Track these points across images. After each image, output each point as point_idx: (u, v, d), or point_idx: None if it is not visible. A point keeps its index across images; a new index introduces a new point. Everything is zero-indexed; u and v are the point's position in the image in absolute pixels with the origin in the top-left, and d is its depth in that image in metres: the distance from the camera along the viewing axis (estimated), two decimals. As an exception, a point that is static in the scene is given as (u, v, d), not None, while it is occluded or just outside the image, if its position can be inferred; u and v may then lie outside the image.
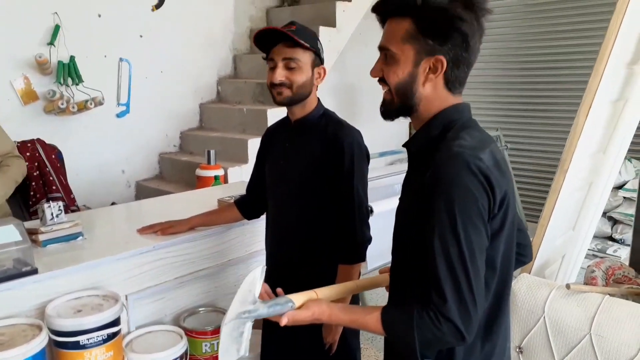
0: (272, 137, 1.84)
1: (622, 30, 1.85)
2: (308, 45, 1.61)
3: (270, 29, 1.60)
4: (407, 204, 1.12)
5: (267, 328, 1.85)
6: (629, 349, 1.60)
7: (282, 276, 1.77)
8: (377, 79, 1.11)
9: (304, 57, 1.62)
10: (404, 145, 1.16)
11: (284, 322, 1.08)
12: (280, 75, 1.60)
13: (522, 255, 1.25)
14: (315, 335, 1.67)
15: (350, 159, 1.61)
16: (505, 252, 1.06)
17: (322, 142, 1.64)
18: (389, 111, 1.11)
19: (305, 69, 1.62)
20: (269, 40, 1.62)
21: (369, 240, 1.68)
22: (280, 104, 1.65)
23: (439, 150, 1.01)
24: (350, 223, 1.63)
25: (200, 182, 3.27)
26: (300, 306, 1.10)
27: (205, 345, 1.81)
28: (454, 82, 1.07)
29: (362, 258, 1.67)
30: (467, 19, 1.00)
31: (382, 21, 1.10)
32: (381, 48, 1.08)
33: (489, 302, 1.06)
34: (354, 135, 1.64)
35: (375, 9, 1.10)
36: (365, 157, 1.67)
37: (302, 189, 1.68)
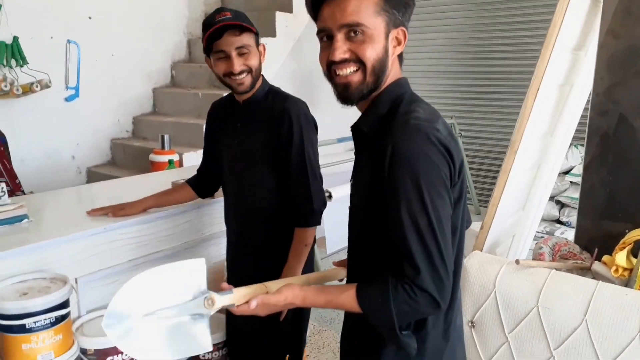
0: (220, 115, 1.85)
1: (567, 15, 1.92)
2: (255, 30, 1.64)
3: (221, 26, 1.59)
4: (362, 186, 1.10)
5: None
6: (573, 320, 1.67)
7: (242, 253, 1.81)
8: (334, 62, 1.03)
9: (251, 41, 1.64)
10: (352, 127, 1.13)
11: (253, 305, 1.05)
12: (238, 64, 1.61)
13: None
14: None
15: (299, 128, 1.66)
16: (463, 219, 1.08)
17: (271, 117, 1.68)
18: (359, 94, 1.05)
19: (254, 52, 1.66)
20: (214, 33, 1.61)
21: (324, 204, 1.74)
22: (243, 92, 1.68)
23: (393, 126, 1.01)
24: (305, 188, 1.68)
25: (154, 167, 3.21)
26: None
27: (160, 328, 1.77)
28: (402, 55, 1.08)
29: (318, 221, 1.73)
30: None
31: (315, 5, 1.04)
32: (346, 25, 1.01)
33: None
34: (300, 106, 1.70)
35: None
36: (313, 126, 1.73)
37: (258, 165, 1.71)
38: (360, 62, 1.02)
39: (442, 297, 0.97)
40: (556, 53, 1.93)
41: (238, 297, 1.07)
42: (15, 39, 3.24)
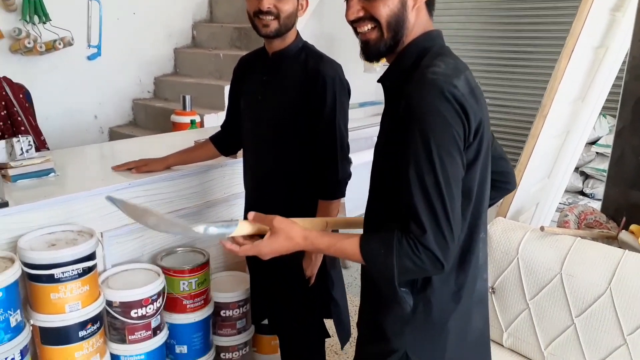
0: (247, 68, 1.78)
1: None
2: None
3: None
4: (383, 139, 1.09)
5: (253, 264, 1.90)
6: (597, 288, 1.65)
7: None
8: (352, 20, 1.04)
9: None
10: (378, 81, 1.12)
11: (231, 247, 1.08)
12: (268, 2, 1.51)
13: (506, 182, 1.25)
14: (295, 267, 1.68)
15: (333, 94, 1.58)
16: (480, 182, 1.05)
17: (302, 76, 1.60)
18: (377, 51, 1.04)
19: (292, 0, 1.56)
20: None
21: (349, 176, 1.68)
22: (266, 36, 1.59)
23: (411, 81, 0.98)
24: (332, 159, 1.62)
25: (175, 128, 3.20)
26: (259, 233, 1.08)
27: (183, 284, 1.80)
28: (433, 4, 1.05)
29: (343, 194, 1.67)
30: None
31: None
32: None
33: (463, 233, 1.06)
34: (336, 69, 1.61)
35: None
36: (347, 91, 1.64)
37: (281, 124, 1.65)
38: (374, 20, 1.02)
39: (446, 257, 0.96)
40: (593, 12, 1.85)
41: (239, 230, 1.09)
42: (38, -6, 3.22)
